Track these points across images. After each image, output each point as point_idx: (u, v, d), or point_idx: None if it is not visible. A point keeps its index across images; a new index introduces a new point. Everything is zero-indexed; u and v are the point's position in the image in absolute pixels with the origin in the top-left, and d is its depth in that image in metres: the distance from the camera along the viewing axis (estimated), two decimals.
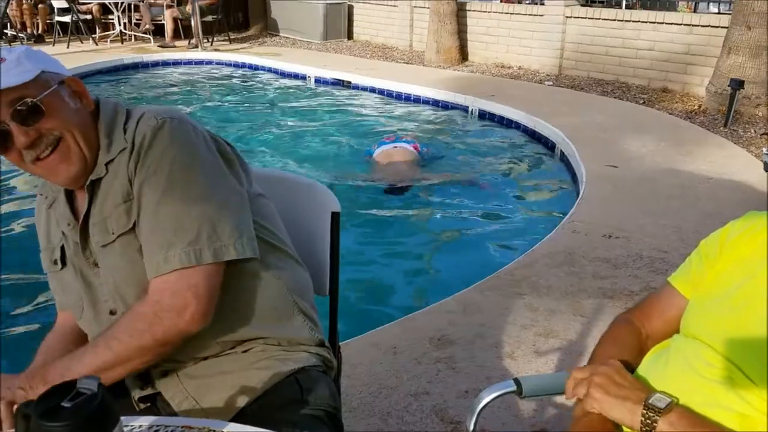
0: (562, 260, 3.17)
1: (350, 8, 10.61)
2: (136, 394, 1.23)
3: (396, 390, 2.21)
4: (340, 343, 1.53)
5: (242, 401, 1.17)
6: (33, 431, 0.75)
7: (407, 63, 8.74)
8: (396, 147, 4.90)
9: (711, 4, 7.34)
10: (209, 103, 7.36)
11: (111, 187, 1.15)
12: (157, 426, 0.94)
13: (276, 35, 11.25)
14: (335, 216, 1.50)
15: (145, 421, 0.95)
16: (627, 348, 1.14)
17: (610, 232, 3.47)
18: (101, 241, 1.16)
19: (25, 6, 10.41)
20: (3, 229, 4.00)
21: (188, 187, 1.10)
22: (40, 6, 10.43)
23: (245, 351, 1.22)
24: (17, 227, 4.03)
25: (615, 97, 6.64)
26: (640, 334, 1.16)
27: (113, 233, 1.14)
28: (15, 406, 1.04)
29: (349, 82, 7.83)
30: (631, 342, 1.15)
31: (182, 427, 0.94)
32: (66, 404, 0.76)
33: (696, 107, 6.07)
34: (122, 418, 0.79)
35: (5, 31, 9.82)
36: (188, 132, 1.14)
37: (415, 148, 4.94)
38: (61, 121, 1.11)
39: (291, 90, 7.96)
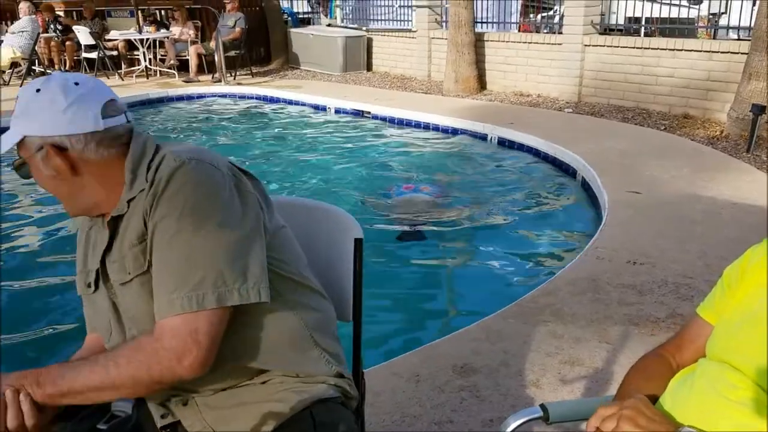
0: (586, 287, 3.15)
1: (369, 40, 10.78)
2: (158, 422, 1.24)
3: (419, 419, 2.20)
4: (363, 370, 1.54)
5: None
6: None
7: (426, 93, 8.82)
8: (413, 197, 4.87)
9: (730, 30, 7.34)
10: (232, 135, 7.47)
11: (129, 224, 1.18)
12: None
13: (297, 68, 11.44)
14: (358, 242, 1.52)
15: None
16: (655, 378, 1.14)
17: (634, 258, 3.44)
18: (119, 279, 1.19)
19: (53, 43, 10.72)
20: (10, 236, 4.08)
21: (197, 230, 1.10)
22: (67, 43, 10.74)
23: (263, 382, 1.24)
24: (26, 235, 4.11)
25: (636, 124, 6.62)
26: (671, 365, 1.16)
27: (130, 273, 1.17)
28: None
29: (369, 113, 7.91)
30: (660, 372, 1.15)
31: None
32: (102, 426, 0.78)
33: (718, 133, 6.03)
34: None
35: (33, 67, 10.09)
36: (205, 173, 1.14)
37: (435, 195, 4.91)
38: (41, 183, 1.21)
39: (311, 121, 8.06)
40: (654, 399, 1.09)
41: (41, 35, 10.13)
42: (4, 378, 1.09)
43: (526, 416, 1.26)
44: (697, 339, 1.14)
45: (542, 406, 1.26)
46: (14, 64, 9.80)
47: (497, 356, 2.57)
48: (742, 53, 6.09)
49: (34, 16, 9.87)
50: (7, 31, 9.98)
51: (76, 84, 1.17)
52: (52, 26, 10.71)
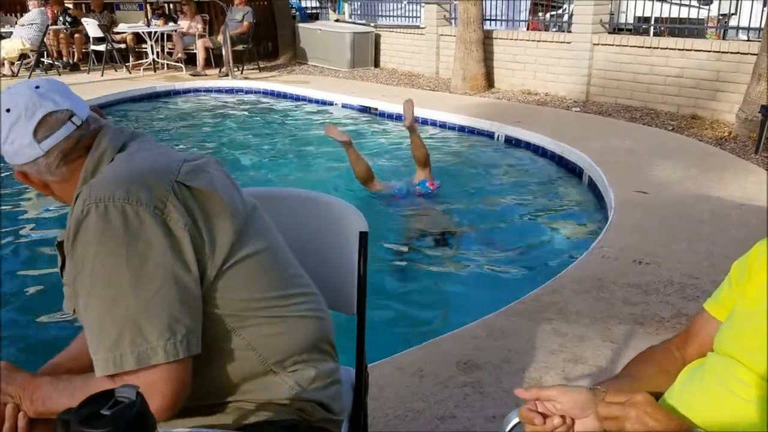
0: (591, 286, 3.14)
1: (377, 37, 10.77)
2: None
3: (422, 414, 2.20)
4: (366, 364, 1.54)
5: None
6: None
7: (433, 90, 8.81)
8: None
9: (740, 31, 7.30)
10: (238, 129, 7.48)
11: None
12: None
13: (304, 63, 11.44)
14: (363, 236, 1.52)
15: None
16: (657, 366, 1.14)
17: (640, 257, 3.43)
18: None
19: (61, 35, 10.76)
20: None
21: (110, 286, 1.02)
22: (76, 35, 10.77)
23: (218, 404, 1.21)
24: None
25: (643, 124, 6.60)
26: (675, 357, 1.16)
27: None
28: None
29: (376, 109, 7.91)
30: (663, 361, 1.15)
31: None
32: (105, 412, 0.78)
33: (726, 134, 6.00)
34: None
35: (42, 59, 10.13)
36: (114, 222, 1.03)
37: (432, 185, 4.85)
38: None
39: (318, 116, 8.06)
40: (656, 395, 1.08)
41: (50, 27, 10.15)
42: (12, 377, 1.11)
43: None
44: (702, 333, 1.14)
45: None
46: (23, 56, 9.83)
47: (501, 353, 2.57)
48: (751, 54, 6.06)
49: (43, 8, 9.91)
50: (16, 23, 10.01)
51: (8, 110, 1.12)
52: (61, 18, 10.74)
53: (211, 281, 1.11)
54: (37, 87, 1.15)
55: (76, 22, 10.75)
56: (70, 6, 11.34)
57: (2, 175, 5.12)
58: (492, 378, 2.40)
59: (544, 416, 1.03)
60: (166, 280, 1.04)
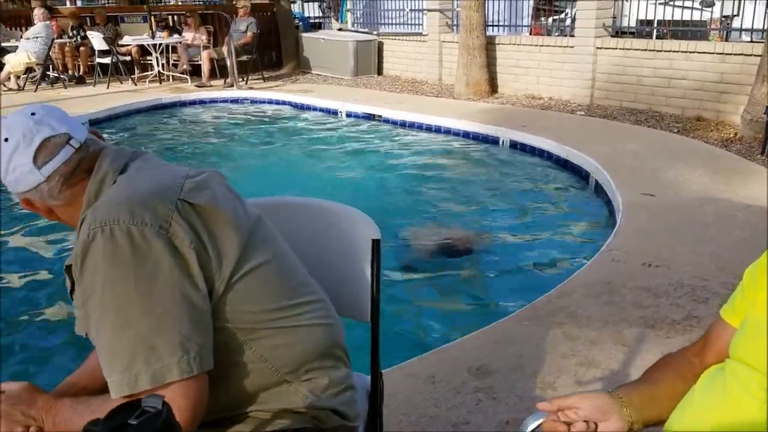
0: (601, 290, 3.14)
1: (380, 44, 10.81)
2: None
3: (436, 419, 2.20)
4: (381, 371, 1.55)
5: None
6: None
7: (437, 96, 8.83)
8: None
9: (743, 33, 7.30)
10: (244, 140, 7.52)
11: None
12: None
13: (308, 72, 11.49)
14: (376, 243, 1.53)
15: None
16: (674, 372, 1.14)
17: (649, 260, 3.43)
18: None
19: (67, 49, 10.83)
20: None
21: (120, 308, 1.03)
22: (81, 48, 10.85)
23: (232, 416, 1.22)
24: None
25: (648, 126, 6.60)
26: (693, 364, 1.16)
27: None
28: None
29: (380, 116, 7.93)
30: (680, 368, 1.15)
31: None
32: (132, 421, 0.79)
33: (731, 135, 6.00)
34: None
35: (47, 73, 10.20)
36: (120, 244, 1.04)
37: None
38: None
39: (323, 125, 8.09)
40: (674, 399, 1.09)
41: (56, 41, 10.23)
42: (33, 398, 1.13)
43: (545, 416, 1.26)
44: (718, 341, 1.13)
45: None
46: (29, 69, 9.91)
47: (513, 358, 2.57)
48: (755, 55, 6.07)
49: (48, 21, 9.98)
50: (21, 37, 10.09)
51: (6, 140, 1.12)
52: (74, 32, 10.80)
53: (220, 296, 1.12)
54: (32, 114, 1.16)
55: (82, 36, 10.82)
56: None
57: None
58: (505, 383, 2.40)
59: (568, 425, 1.03)
60: (175, 300, 1.04)
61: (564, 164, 5.74)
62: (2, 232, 4.58)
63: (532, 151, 6.22)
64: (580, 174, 5.46)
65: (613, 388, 1.13)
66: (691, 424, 1.02)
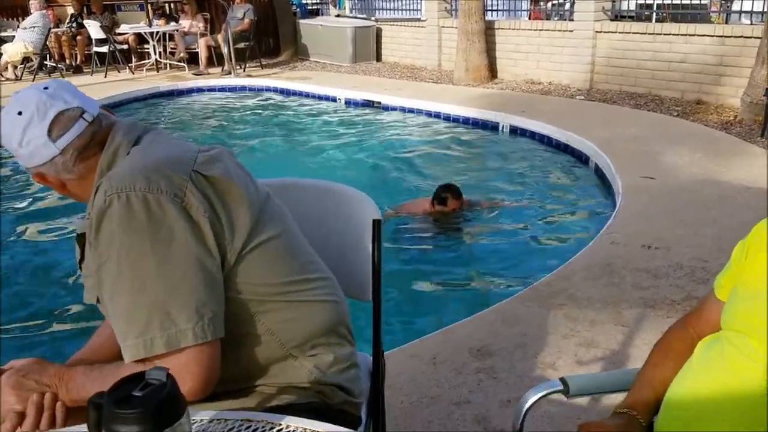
0: (601, 271, 3.15)
1: (378, 30, 10.76)
2: None
3: (437, 399, 2.21)
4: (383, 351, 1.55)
5: None
6: (106, 419, 0.79)
7: (436, 82, 8.80)
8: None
9: (743, 15, 7.27)
10: (242, 127, 7.50)
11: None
12: (218, 419, 0.97)
13: (306, 59, 11.44)
14: (376, 223, 1.53)
15: (206, 414, 0.98)
16: (679, 357, 1.16)
17: (649, 242, 3.43)
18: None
19: (64, 38, 10.78)
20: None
21: (137, 273, 1.04)
22: (78, 37, 10.79)
23: (238, 392, 1.23)
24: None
25: (648, 110, 6.58)
26: (694, 341, 1.18)
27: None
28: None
29: (380, 103, 7.91)
30: (684, 350, 1.17)
31: (242, 420, 0.97)
32: (137, 393, 0.79)
33: (731, 118, 5.99)
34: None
35: (45, 62, 10.16)
36: (137, 211, 1.05)
37: None
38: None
39: (322, 112, 8.07)
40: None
41: (52, 30, 10.18)
42: (44, 369, 1.14)
43: (547, 389, 1.27)
44: (711, 315, 1.16)
45: (562, 380, 1.27)
46: (26, 59, 9.87)
47: (513, 339, 2.58)
48: (755, 37, 6.04)
49: (44, 11, 9.93)
50: (18, 27, 10.04)
51: (19, 113, 1.13)
52: (72, 20, 10.74)
53: (231, 266, 1.13)
54: (45, 88, 1.17)
55: (79, 25, 10.77)
56: (70, 8, 11.35)
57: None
58: (505, 363, 2.42)
59: None
60: (190, 266, 1.06)
61: (564, 148, 5.73)
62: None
63: (532, 135, 6.21)
64: (579, 158, 5.45)
65: (623, 404, 1.15)
66: (692, 387, 1.04)
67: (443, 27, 9.46)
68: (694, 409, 1.03)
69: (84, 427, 0.99)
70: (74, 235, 1.23)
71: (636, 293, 2.93)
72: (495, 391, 2.25)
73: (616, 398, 1.18)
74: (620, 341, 2.56)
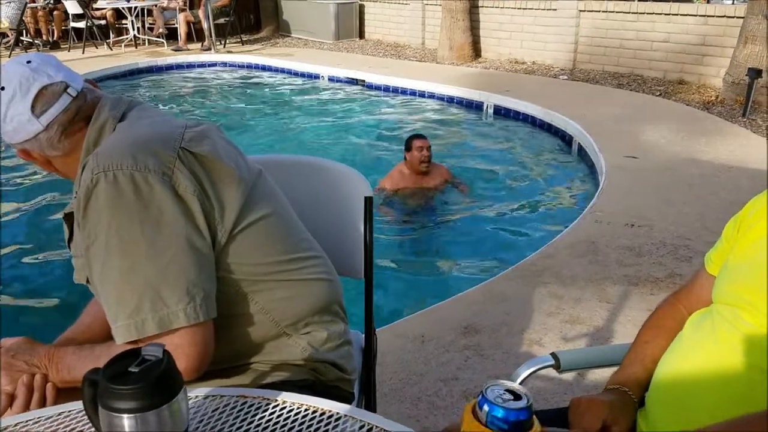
0: (585, 249, 3.18)
1: (361, 7, 10.64)
2: None
3: (425, 376, 2.23)
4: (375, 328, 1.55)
5: None
6: (102, 395, 0.77)
7: (420, 61, 8.75)
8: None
9: None
10: (222, 104, 7.41)
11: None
12: (213, 395, 0.96)
13: (288, 36, 11.30)
14: (368, 200, 1.53)
15: (201, 391, 0.97)
16: (666, 332, 1.17)
17: (632, 221, 3.47)
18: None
19: (40, 13, 10.52)
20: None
21: (126, 254, 1.02)
22: (55, 13, 10.54)
23: (233, 366, 1.22)
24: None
25: (631, 90, 6.61)
26: (683, 316, 1.19)
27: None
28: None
29: (363, 81, 7.85)
30: (672, 326, 1.18)
31: (237, 396, 0.96)
32: (133, 369, 0.78)
33: (713, 98, 6.04)
34: None
35: (21, 38, 9.92)
36: (124, 191, 1.02)
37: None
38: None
39: (305, 90, 8.00)
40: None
41: (28, 5, 9.93)
42: (33, 350, 1.13)
43: (538, 364, 1.28)
44: (702, 291, 1.17)
45: (553, 355, 1.28)
46: (1, 35, 9.63)
47: (499, 317, 2.60)
48: (738, 17, 6.08)
49: None
50: None
51: (2, 88, 1.10)
52: None
53: (222, 246, 1.11)
54: (28, 62, 1.14)
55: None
56: None
57: None
58: (492, 341, 2.43)
59: None
60: (180, 246, 1.04)
61: (548, 128, 5.75)
62: None
63: (516, 115, 6.22)
64: (563, 137, 5.47)
65: (614, 380, 1.16)
66: (683, 362, 1.05)
67: (427, 4, 9.38)
68: (686, 384, 1.04)
69: (74, 404, 0.98)
70: (63, 214, 1.20)
71: (620, 271, 2.96)
72: (482, 367, 2.27)
73: (602, 374, 1.19)
74: (604, 318, 2.59)
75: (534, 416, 0.72)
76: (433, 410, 2.06)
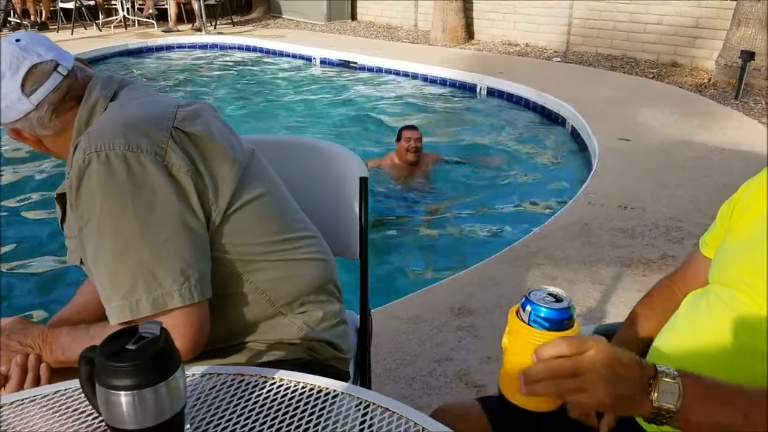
0: (578, 231, 3.18)
1: None
2: None
3: (419, 357, 2.24)
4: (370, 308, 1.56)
5: None
6: (99, 373, 0.77)
7: (413, 42, 8.70)
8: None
9: None
10: (213, 86, 7.35)
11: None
12: (211, 374, 0.96)
13: (279, 17, 11.19)
14: (363, 181, 1.52)
15: (198, 369, 0.97)
16: (660, 312, 1.18)
17: (625, 203, 3.48)
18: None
19: None
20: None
21: (119, 234, 1.01)
22: None
23: (230, 346, 1.22)
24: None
25: (624, 72, 6.61)
26: (678, 297, 1.19)
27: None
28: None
29: (356, 63, 7.80)
30: (667, 307, 1.18)
31: (234, 374, 0.96)
32: (131, 347, 0.78)
33: (706, 80, 6.04)
34: None
35: (8, 19, 9.78)
36: (117, 171, 1.01)
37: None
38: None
39: (297, 72, 7.94)
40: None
41: None
42: (27, 330, 1.13)
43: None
44: (698, 274, 1.18)
45: None
46: None
47: (492, 299, 2.61)
48: (731, 0, 6.06)
49: None
50: None
51: None
52: None
53: (217, 226, 1.11)
54: (17, 40, 1.12)
55: None
56: None
57: None
58: (485, 321, 2.45)
59: None
60: (174, 226, 1.03)
61: (541, 110, 5.74)
62: None
63: (509, 97, 6.20)
64: (556, 120, 5.47)
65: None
66: (677, 341, 1.05)
67: None
68: (680, 363, 1.04)
69: (70, 383, 0.98)
70: (56, 194, 1.19)
71: (613, 252, 2.97)
72: (476, 348, 2.28)
73: None
74: (598, 299, 2.60)
75: (574, 317, 0.78)
76: (427, 390, 2.07)
